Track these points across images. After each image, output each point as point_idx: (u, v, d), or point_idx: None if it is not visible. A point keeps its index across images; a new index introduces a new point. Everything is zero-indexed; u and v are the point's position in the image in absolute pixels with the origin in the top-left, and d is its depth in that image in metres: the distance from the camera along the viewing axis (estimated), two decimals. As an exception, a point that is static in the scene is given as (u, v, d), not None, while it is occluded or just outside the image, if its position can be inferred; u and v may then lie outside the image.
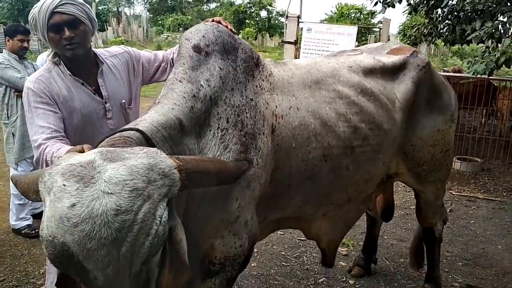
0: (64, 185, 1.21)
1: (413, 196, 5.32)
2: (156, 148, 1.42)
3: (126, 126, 1.65)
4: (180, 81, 1.84)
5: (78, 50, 2.07)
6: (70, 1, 2.02)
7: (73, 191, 1.19)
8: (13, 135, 4.17)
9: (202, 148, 1.81)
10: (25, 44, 4.27)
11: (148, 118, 1.67)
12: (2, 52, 4.23)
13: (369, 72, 2.46)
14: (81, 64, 2.13)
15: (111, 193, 1.19)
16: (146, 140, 1.55)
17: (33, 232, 4.08)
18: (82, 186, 1.20)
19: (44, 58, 4.24)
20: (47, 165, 1.82)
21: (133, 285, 1.27)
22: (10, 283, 3.35)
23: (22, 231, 4.13)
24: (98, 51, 2.27)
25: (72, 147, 1.73)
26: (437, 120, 2.70)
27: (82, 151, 1.44)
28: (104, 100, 2.17)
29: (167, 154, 1.48)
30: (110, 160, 1.27)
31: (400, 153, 2.64)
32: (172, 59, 2.36)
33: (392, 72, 2.54)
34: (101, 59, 2.21)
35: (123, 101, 2.24)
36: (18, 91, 3.97)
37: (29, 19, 2.08)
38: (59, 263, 1.21)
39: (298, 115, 2.11)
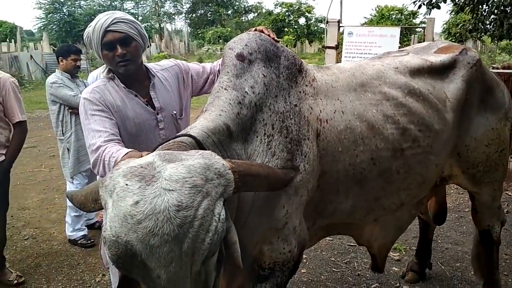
0: (126, 184, 1.25)
1: (467, 198, 5.18)
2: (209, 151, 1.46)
3: (179, 134, 1.70)
4: (225, 89, 1.88)
5: (130, 66, 2.14)
6: (122, 19, 2.11)
7: (135, 189, 1.23)
8: (68, 150, 4.35)
9: (250, 154, 1.84)
10: (78, 63, 4.45)
11: (198, 125, 1.71)
12: (54, 72, 4.42)
13: (417, 72, 2.40)
14: (134, 78, 2.21)
15: (172, 190, 1.22)
16: (198, 144, 1.59)
17: (89, 242, 4.25)
18: (144, 185, 1.24)
19: (94, 76, 4.41)
20: (103, 165, 1.88)
21: (193, 286, 1.28)
22: (69, 292, 3.49)
23: (78, 241, 4.29)
24: (150, 65, 2.35)
25: (130, 150, 1.81)
26: (491, 118, 2.60)
27: (140, 157, 1.48)
28: (156, 111, 2.23)
29: None
30: (169, 161, 1.31)
31: (454, 155, 2.56)
32: (219, 70, 2.40)
33: (441, 71, 2.47)
34: (152, 72, 2.29)
35: (174, 112, 2.29)
36: (72, 108, 4.16)
37: (84, 38, 2.18)
38: (122, 263, 1.23)
39: (343, 118, 2.09)
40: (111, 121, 2.07)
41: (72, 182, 4.36)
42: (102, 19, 2.09)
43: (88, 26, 2.14)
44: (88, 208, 1.47)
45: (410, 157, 2.25)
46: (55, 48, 24.09)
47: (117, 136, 2.04)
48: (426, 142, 2.29)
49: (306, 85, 2.07)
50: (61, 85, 4.23)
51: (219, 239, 1.28)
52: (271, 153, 1.84)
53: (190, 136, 1.61)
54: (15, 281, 3.56)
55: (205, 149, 1.57)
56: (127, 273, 1.29)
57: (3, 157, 3.40)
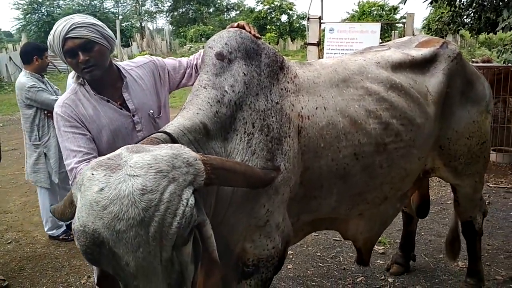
0: (92, 174, 1.27)
1: (449, 191, 5.26)
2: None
3: (154, 132, 1.71)
4: (204, 88, 1.88)
5: (95, 71, 2.06)
6: (81, 24, 2.01)
7: (101, 177, 1.25)
8: (45, 155, 4.24)
9: (230, 152, 1.84)
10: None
11: (175, 123, 1.73)
12: (22, 73, 4.23)
13: (398, 66, 2.42)
14: (104, 82, 2.14)
15: (137, 176, 1.23)
16: (172, 141, 1.60)
17: (71, 237, 4.18)
18: (110, 173, 1.26)
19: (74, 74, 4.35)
20: None
21: (166, 275, 1.28)
22: (54, 294, 3.45)
23: (60, 237, 4.29)
24: (123, 63, 2.29)
25: None
26: (472, 111, 2.64)
27: None
28: (132, 113, 2.17)
29: None
30: (136, 152, 1.34)
31: (436, 147, 2.59)
32: (196, 64, 2.38)
33: (422, 65, 2.50)
34: (123, 72, 2.22)
35: (151, 111, 2.23)
36: (50, 112, 3.99)
37: (48, 46, 2.10)
38: (91, 254, 1.23)
39: (325, 114, 2.10)
40: (85, 137, 2.04)
41: (48, 188, 4.28)
42: (60, 27, 2.00)
43: (49, 34, 2.06)
44: (67, 215, 1.45)
45: (393, 151, 2.27)
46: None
47: (92, 154, 2.01)
48: (408, 136, 2.31)
49: (288, 82, 2.07)
50: (40, 89, 4.11)
51: (188, 224, 1.27)
52: (251, 151, 1.84)
53: (165, 132, 1.63)
54: (-1, 286, 3.51)
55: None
56: (97, 264, 1.29)
57: None
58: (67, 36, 1.99)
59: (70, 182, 1.97)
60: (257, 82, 1.96)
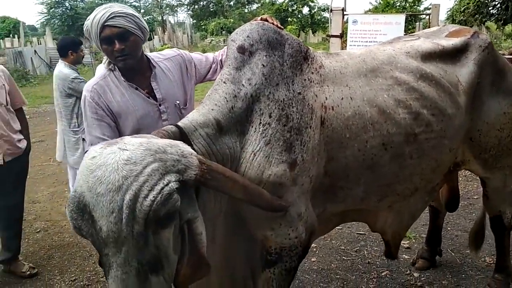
0: (92, 148, 1.41)
1: (475, 185, 5.18)
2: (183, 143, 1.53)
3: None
4: (224, 82, 1.91)
5: (128, 60, 2.14)
6: (119, 14, 2.08)
7: (97, 149, 1.37)
8: (83, 140, 4.37)
9: (244, 144, 1.86)
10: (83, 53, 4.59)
11: (189, 117, 1.80)
12: (60, 65, 4.42)
13: (428, 56, 2.38)
14: (134, 71, 2.21)
15: (126, 150, 1.34)
16: (182, 135, 1.66)
17: None
18: (105, 146, 1.37)
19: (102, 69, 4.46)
20: None
21: (136, 250, 1.32)
22: (81, 283, 3.53)
23: None
24: (152, 54, 2.35)
25: None
26: (503, 103, 2.58)
27: None
28: (158, 103, 2.24)
29: (202, 151, 1.67)
30: (137, 137, 1.44)
31: (466, 140, 2.54)
32: (221, 60, 2.43)
33: (452, 55, 2.45)
34: (153, 62, 2.28)
35: (177, 102, 2.29)
36: None
37: (84, 30, 2.17)
38: (75, 220, 1.32)
39: (351, 105, 2.08)
40: (109, 127, 2.13)
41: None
42: (100, 14, 2.07)
43: (87, 19, 2.13)
44: None
45: (424, 141, 2.24)
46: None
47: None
48: (439, 127, 2.27)
49: (312, 73, 2.06)
50: (82, 80, 4.31)
51: (164, 202, 1.30)
52: (264, 141, 1.85)
53: (176, 126, 1.69)
54: (28, 273, 3.60)
55: (188, 140, 1.66)
56: (80, 233, 1.35)
57: (25, 141, 3.52)
58: (105, 24, 2.06)
59: None
60: (279, 72, 1.96)
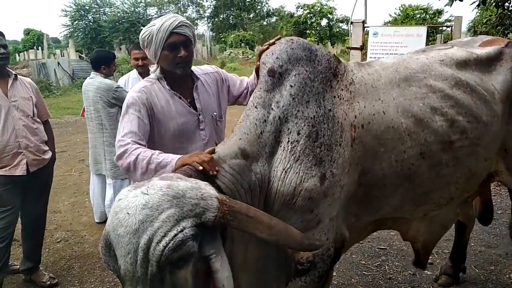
0: (123, 190, 1.51)
1: (499, 200, 5.06)
2: (206, 182, 1.57)
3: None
4: (255, 107, 1.96)
5: (187, 68, 2.26)
6: (186, 23, 2.20)
7: (126, 192, 1.48)
8: None
9: (273, 163, 1.88)
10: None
11: (217, 149, 1.86)
12: (94, 77, 4.50)
13: (463, 64, 2.37)
14: (181, 80, 2.29)
15: (147, 194, 1.42)
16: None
17: None
18: (132, 189, 1.47)
19: (123, 82, 4.61)
20: (135, 160, 1.98)
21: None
22: (101, 293, 3.54)
23: None
24: (193, 68, 2.42)
25: (178, 156, 1.93)
26: None
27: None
28: (198, 112, 2.31)
29: (228, 185, 1.71)
30: (163, 179, 1.50)
31: (501, 150, 2.50)
32: (253, 84, 2.48)
33: (487, 63, 2.44)
34: (196, 74, 2.37)
35: (215, 113, 2.38)
36: None
37: (143, 35, 2.22)
38: (105, 255, 1.43)
39: (384, 119, 2.07)
40: (145, 126, 2.17)
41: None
42: (169, 21, 2.16)
43: (150, 25, 2.21)
44: None
45: (459, 149, 2.22)
46: (82, 55, 24.58)
47: (144, 142, 2.13)
48: (474, 134, 2.25)
49: (342, 89, 2.06)
50: (124, 89, 4.40)
51: (176, 249, 1.36)
52: (294, 158, 1.87)
53: None
54: (48, 283, 3.63)
55: (212, 177, 1.72)
56: (108, 266, 1.45)
57: (50, 153, 3.58)
58: (174, 31, 2.15)
59: (118, 153, 2.06)
60: (309, 89, 1.97)
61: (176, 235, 1.36)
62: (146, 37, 2.19)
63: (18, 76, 3.47)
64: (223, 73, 2.52)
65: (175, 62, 2.19)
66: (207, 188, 1.49)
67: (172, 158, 1.89)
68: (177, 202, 1.40)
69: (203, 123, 2.32)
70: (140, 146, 2.05)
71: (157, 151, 1.97)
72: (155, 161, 1.92)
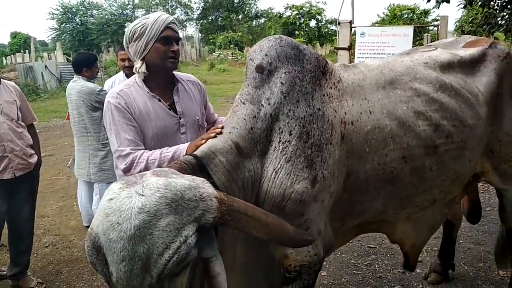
0: (113, 186, 1.36)
1: (487, 197, 5.11)
2: (204, 178, 1.47)
3: (187, 153, 1.79)
4: (243, 103, 1.90)
5: (176, 64, 2.24)
6: (175, 22, 2.24)
7: (116, 189, 1.33)
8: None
9: (264, 162, 1.85)
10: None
11: (209, 143, 1.78)
12: (77, 80, 4.42)
13: (447, 66, 2.36)
14: (160, 80, 2.26)
15: (142, 195, 1.29)
16: (199, 166, 1.65)
17: None
18: (124, 187, 1.33)
19: (109, 84, 4.51)
20: (145, 166, 1.98)
21: None
22: (91, 298, 3.50)
23: None
24: (175, 73, 2.39)
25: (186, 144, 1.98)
26: None
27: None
28: (178, 116, 2.27)
29: (222, 179, 1.64)
30: (157, 175, 1.38)
31: (487, 150, 2.51)
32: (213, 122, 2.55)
33: (471, 65, 2.43)
34: (177, 78, 2.35)
35: (197, 118, 2.34)
36: None
37: (134, 26, 2.17)
38: (91, 256, 1.31)
39: (370, 118, 2.06)
40: (136, 130, 2.15)
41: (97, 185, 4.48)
42: (163, 16, 2.18)
43: (142, 18, 2.19)
44: None
45: (444, 153, 2.21)
46: (69, 58, 24.36)
47: (142, 146, 2.12)
48: (460, 138, 2.25)
49: (331, 88, 2.05)
50: (106, 92, 4.28)
51: (181, 262, 1.28)
52: (285, 159, 1.83)
53: (195, 156, 1.68)
54: (37, 288, 3.59)
55: (207, 170, 1.66)
56: (95, 268, 1.34)
57: (36, 156, 3.54)
58: (169, 25, 2.16)
59: (125, 166, 2.06)
60: (299, 89, 1.94)
61: (179, 247, 1.26)
62: (139, 28, 2.15)
63: (2, 80, 3.42)
64: (204, 90, 2.52)
65: (167, 56, 2.18)
66: (205, 187, 1.39)
67: (181, 148, 1.90)
68: (176, 206, 1.29)
69: (184, 127, 2.27)
70: (142, 150, 2.06)
71: (161, 149, 1.98)
72: (166, 159, 1.93)
